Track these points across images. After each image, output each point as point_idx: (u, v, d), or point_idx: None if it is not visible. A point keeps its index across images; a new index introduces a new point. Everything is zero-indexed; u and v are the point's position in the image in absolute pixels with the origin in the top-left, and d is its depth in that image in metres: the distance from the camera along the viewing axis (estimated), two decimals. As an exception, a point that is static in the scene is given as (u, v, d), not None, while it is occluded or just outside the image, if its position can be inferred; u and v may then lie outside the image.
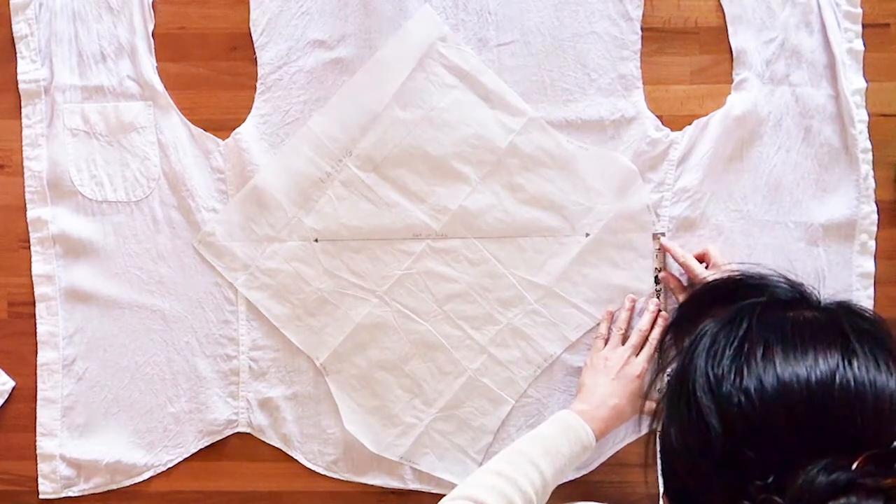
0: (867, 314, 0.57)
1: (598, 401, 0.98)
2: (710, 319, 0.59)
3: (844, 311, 0.57)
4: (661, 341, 0.64)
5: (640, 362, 1.01)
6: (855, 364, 0.52)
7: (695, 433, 0.55)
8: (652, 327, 1.04)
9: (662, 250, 1.06)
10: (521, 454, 0.90)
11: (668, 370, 0.61)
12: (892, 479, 0.47)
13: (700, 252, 1.04)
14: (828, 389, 0.51)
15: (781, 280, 0.61)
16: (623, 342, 1.04)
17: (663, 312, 1.05)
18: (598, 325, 1.05)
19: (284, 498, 1.09)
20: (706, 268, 1.03)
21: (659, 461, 0.60)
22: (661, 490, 0.60)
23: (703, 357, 0.56)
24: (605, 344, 1.04)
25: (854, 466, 0.48)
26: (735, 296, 0.60)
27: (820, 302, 0.59)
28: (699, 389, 0.55)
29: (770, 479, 0.49)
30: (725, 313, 0.58)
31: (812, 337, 0.54)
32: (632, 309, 1.05)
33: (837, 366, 0.52)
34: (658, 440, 0.60)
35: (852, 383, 0.51)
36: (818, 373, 0.52)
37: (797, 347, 0.53)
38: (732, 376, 0.54)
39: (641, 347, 1.03)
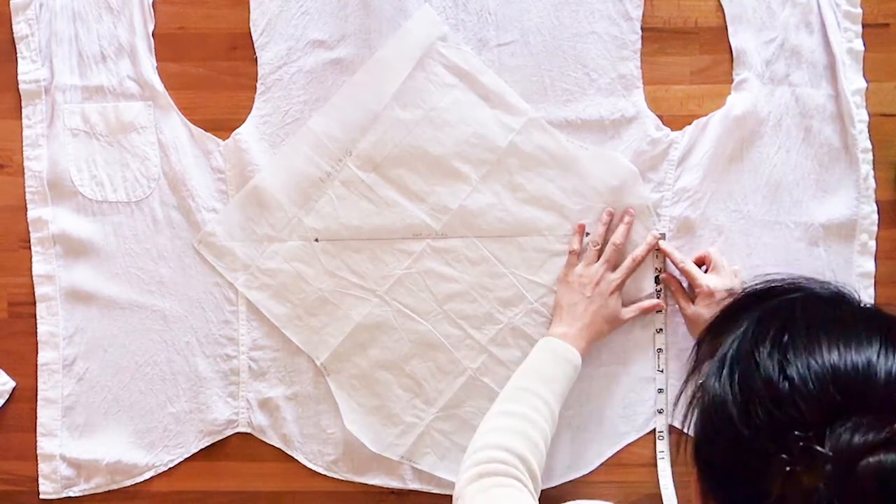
0: None
1: (576, 321, 0.99)
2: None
3: (883, 311, 0.59)
4: (699, 343, 0.66)
5: (616, 278, 1.02)
6: (892, 357, 0.54)
7: (743, 393, 0.57)
8: (627, 239, 1.04)
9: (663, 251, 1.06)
10: (522, 389, 0.92)
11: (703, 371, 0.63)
12: None
13: (700, 255, 1.04)
14: (872, 371, 0.53)
15: (820, 284, 0.63)
16: (598, 257, 1.03)
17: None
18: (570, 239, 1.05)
19: (284, 498, 1.09)
20: (706, 271, 1.03)
21: (695, 431, 0.61)
22: (695, 474, 0.62)
23: (749, 339, 0.58)
24: (578, 259, 1.04)
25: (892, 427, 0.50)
26: (776, 295, 0.63)
27: (860, 302, 0.61)
28: (743, 366, 0.57)
29: (810, 433, 0.51)
30: (767, 304, 0.61)
31: (855, 325, 0.56)
32: (608, 223, 1.04)
33: (877, 356, 0.54)
34: (692, 419, 0.62)
35: (893, 372, 0.53)
36: (863, 357, 0.54)
37: (842, 333, 0.56)
38: (778, 355, 0.56)
39: (616, 261, 1.03)
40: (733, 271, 1.02)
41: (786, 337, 0.56)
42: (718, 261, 1.02)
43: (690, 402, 0.62)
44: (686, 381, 0.64)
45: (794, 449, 0.51)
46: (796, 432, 0.51)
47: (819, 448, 0.51)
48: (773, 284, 0.64)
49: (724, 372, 0.59)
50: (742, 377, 0.57)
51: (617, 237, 1.03)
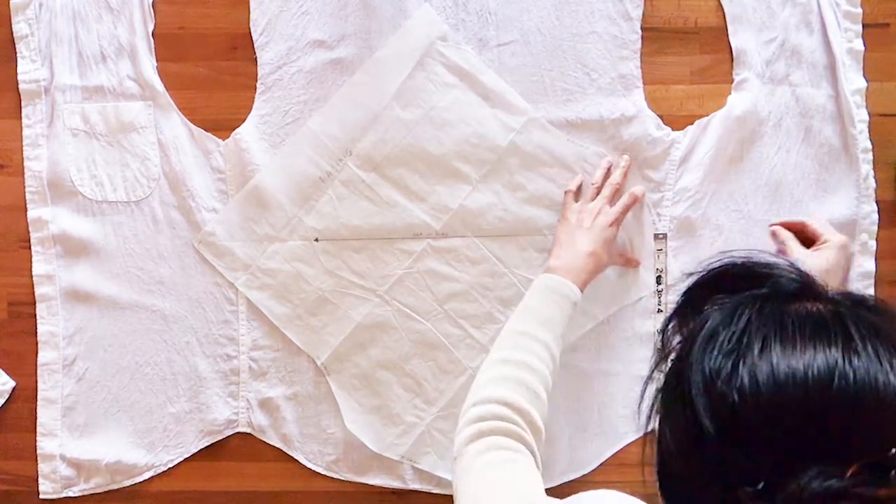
0: (877, 306, 0.55)
1: (573, 252, 0.97)
2: (712, 308, 0.56)
3: (852, 304, 0.54)
4: (664, 329, 0.61)
5: (614, 211, 1.01)
6: (856, 361, 0.49)
7: (689, 433, 0.53)
8: (624, 180, 1.04)
9: (663, 250, 1.06)
10: (520, 334, 0.88)
11: (671, 357, 0.59)
12: (887, 490, 0.46)
13: (796, 222, 1.00)
14: (825, 387, 0.49)
15: (789, 268, 0.58)
16: (596, 195, 1.03)
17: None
18: (568, 183, 1.04)
19: (284, 498, 1.09)
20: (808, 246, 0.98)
21: (655, 460, 0.58)
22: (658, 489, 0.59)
23: (701, 352, 0.54)
24: (575, 199, 1.04)
25: (848, 474, 0.46)
26: (740, 283, 0.57)
27: (826, 293, 0.56)
28: (694, 387, 0.53)
29: (761, 485, 0.48)
30: (728, 302, 0.56)
31: (812, 332, 0.51)
32: (607, 169, 1.04)
33: (836, 363, 0.49)
34: (655, 437, 0.58)
35: (851, 382, 0.49)
36: (815, 370, 0.49)
37: (796, 343, 0.51)
38: (727, 374, 0.51)
39: (614, 200, 1.02)
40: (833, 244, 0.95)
41: (738, 355, 0.52)
42: (821, 231, 0.96)
43: (651, 408, 0.58)
44: (653, 369, 0.59)
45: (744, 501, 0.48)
46: (747, 487, 0.48)
47: None
48: (742, 265, 0.59)
49: (676, 397, 0.55)
50: (692, 403, 0.52)
51: (615, 177, 1.03)
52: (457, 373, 1.06)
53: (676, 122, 1.07)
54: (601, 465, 1.07)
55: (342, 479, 1.08)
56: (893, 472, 0.46)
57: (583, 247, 0.97)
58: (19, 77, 1.09)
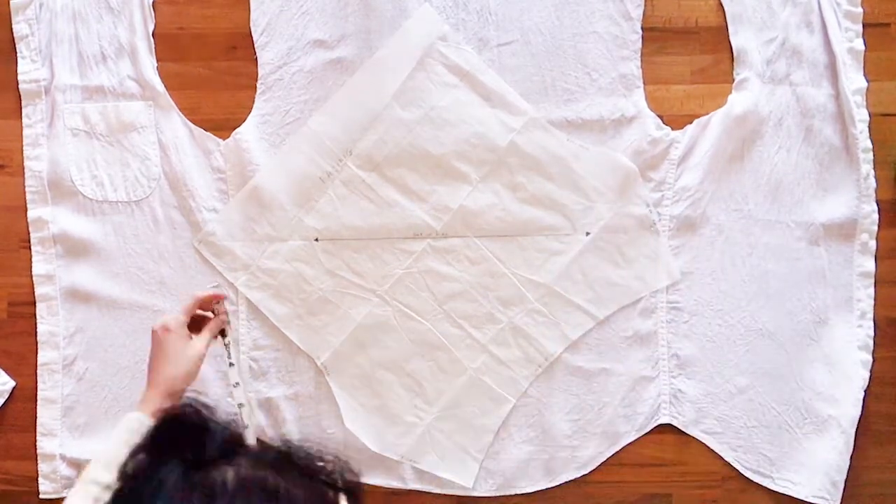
0: (298, 458, 0.57)
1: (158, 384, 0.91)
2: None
3: (269, 462, 0.55)
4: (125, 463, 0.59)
5: (201, 341, 0.94)
6: None
7: None
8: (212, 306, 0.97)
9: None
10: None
11: None
12: None
13: None
14: None
15: (221, 426, 0.57)
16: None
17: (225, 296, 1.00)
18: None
19: (285, 498, 1.09)
20: None
21: None
22: None
23: None
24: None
25: None
26: (179, 440, 0.57)
27: (248, 454, 0.56)
28: None
29: None
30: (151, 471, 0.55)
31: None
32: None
33: None
34: None
35: None
36: None
37: None
38: None
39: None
40: None
41: None
42: None
43: None
44: None
45: None
46: None
47: None
48: (179, 419, 0.58)
49: None
50: None
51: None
52: (457, 373, 1.06)
53: (677, 121, 1.07)
54: (601, 465, 1.07)
55: (342, 478, 1.08)
56: None
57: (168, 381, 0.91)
58: (19, 77, 1.09)
